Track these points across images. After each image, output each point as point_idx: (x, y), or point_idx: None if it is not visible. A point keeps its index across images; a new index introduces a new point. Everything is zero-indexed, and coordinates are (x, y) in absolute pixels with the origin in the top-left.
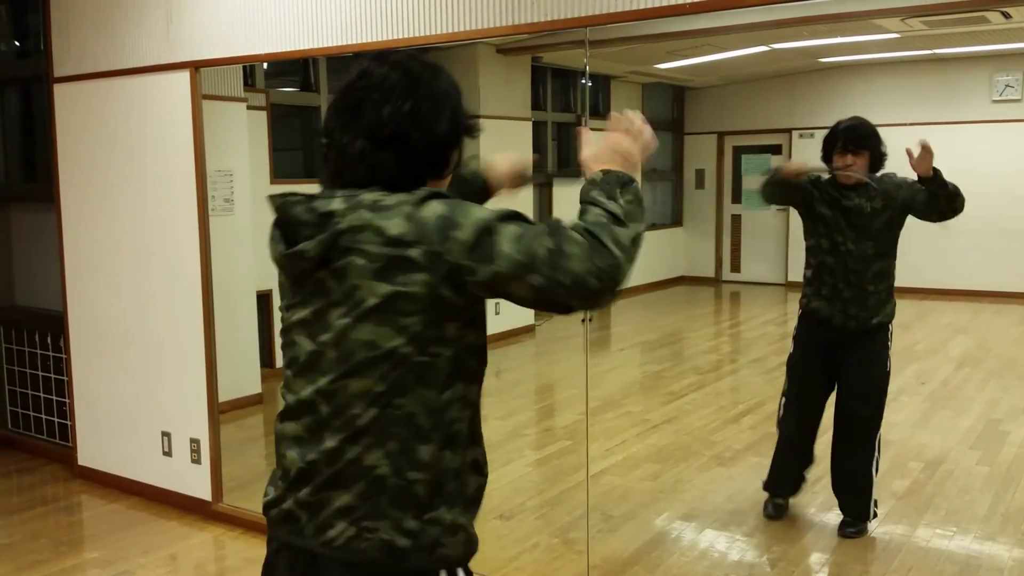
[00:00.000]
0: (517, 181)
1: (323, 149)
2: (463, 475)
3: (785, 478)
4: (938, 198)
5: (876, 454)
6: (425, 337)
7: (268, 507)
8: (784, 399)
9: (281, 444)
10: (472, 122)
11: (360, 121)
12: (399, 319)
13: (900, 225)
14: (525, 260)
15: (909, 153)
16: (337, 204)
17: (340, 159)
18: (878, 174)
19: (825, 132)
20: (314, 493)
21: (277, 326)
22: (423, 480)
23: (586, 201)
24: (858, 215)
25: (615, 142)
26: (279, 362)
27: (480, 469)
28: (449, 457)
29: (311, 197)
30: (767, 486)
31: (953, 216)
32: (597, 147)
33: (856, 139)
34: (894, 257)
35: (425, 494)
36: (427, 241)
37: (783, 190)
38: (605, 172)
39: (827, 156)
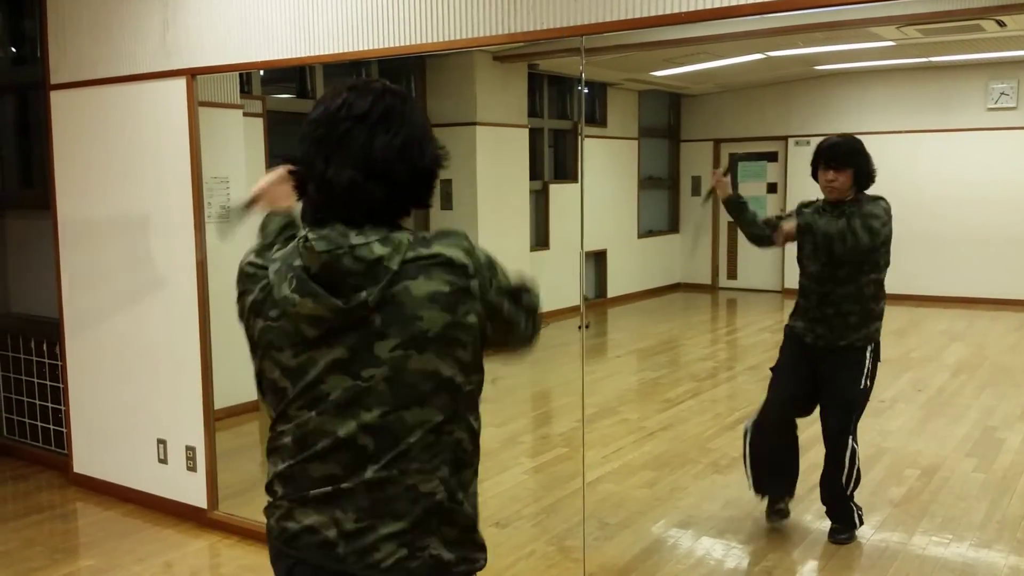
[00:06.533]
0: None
1: (294, 180)
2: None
3: (769, 478)
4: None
5: (846, 467)
6: (472, 365)
7: (281, 529)
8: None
9: (302, 481)
10: (444, 152)
11: (346, 152)
12: (456, 349)
13: (874, 249)
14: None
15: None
16: (379, 248)
17: (323, 191)
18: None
19: (821, 139)
20: (358, 521)
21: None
22: (470, 501)
23: None
24: (826, 237)
25: None
26: None
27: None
28: (474, 479)
29: (352, 246)
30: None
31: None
32: None
33: (838, 156)
34: (869, 282)
35: (473, 513)
36: (480, 275)
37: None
38: None
39: (814, 173)
